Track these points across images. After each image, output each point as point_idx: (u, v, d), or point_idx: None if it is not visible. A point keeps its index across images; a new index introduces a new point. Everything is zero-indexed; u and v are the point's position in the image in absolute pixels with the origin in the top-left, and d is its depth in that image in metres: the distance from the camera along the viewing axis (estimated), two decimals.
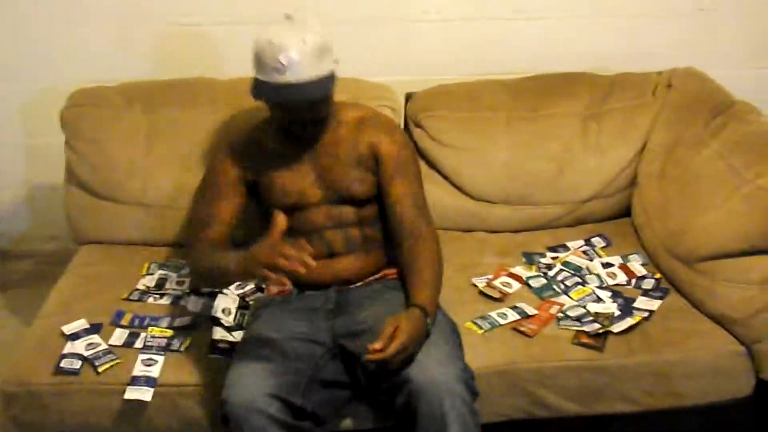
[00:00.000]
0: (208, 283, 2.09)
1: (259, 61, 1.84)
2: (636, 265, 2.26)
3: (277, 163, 2.01)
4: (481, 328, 2.02)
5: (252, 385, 1.73)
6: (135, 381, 1.88)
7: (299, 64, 1.80)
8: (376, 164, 2.02)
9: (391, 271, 2.06)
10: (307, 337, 1.88)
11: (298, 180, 2.00)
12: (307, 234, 1.97)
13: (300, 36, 1.80)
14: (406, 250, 1.95)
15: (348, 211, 2.02)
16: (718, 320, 2.04)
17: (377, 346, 1.68)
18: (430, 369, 1.73)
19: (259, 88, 1.87)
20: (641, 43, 2.79)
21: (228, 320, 2.04)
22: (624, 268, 2.24)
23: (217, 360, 1.93)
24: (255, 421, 1.69)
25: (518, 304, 2.09)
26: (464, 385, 1.74)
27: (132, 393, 1.86)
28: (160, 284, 2.21)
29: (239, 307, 2.09)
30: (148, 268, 2.29)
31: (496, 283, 2.18)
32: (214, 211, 2.00)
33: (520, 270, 2.24)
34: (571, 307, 2.09)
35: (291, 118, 1.92)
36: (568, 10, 2.75)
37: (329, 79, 1.87)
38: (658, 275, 2.21)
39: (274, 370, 1.77)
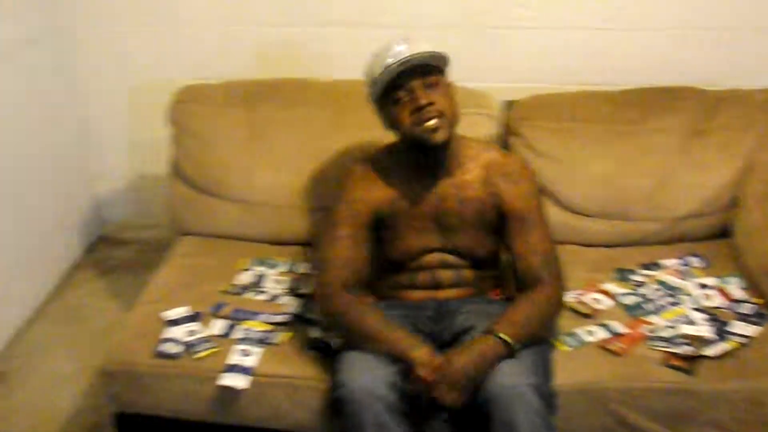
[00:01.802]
0: (342, 333, 1.92)
1: (373, 65, 1.90)
2: (734, 288, 2.19)
3: (402, 212, 1.97)
4: (567, 345, 2.00)
5: (372, 371, 1.71)
6: (230, 369, 1.91)
7: (415, 43, 1.86)
8: (500, 217, 1.98)
9: (495, 292, 2.06)
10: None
11: (419, 235, 1.97)
12: (416, 270, 1.99)
13: (414, 36, 1.88)
14: (523, 291, 1.93)
15: (463, 260, 2.01)
16: None
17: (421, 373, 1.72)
18: (505, 376, 1.71)
19: (375, 79, 1.88)
20: (750, 58, 2.69)
21: (323, 322, 2.06)
22: (721, 290, 2.18)
23: (315, 356, 1.95)
24: (375, 408, 1.67)
25: (608, 322, 2.06)
26: (539, 396, 1.70)
27: (226, 379, 1.88)
28: (258, 281, 2.25)
29: None
30: (247, 263, 2.33)
31: (587, 299, 2.15)
32: (348, 255, 1.93)
33: (611, 286, 2.21)
34: (663, 328, 2.04)
35: (412, 104, 1.85)
36: (676, 22, 2.67)
37: (445, 58, 1.90)
38: (758, 300, 2.14)
39: (391, 359, 1.75)
